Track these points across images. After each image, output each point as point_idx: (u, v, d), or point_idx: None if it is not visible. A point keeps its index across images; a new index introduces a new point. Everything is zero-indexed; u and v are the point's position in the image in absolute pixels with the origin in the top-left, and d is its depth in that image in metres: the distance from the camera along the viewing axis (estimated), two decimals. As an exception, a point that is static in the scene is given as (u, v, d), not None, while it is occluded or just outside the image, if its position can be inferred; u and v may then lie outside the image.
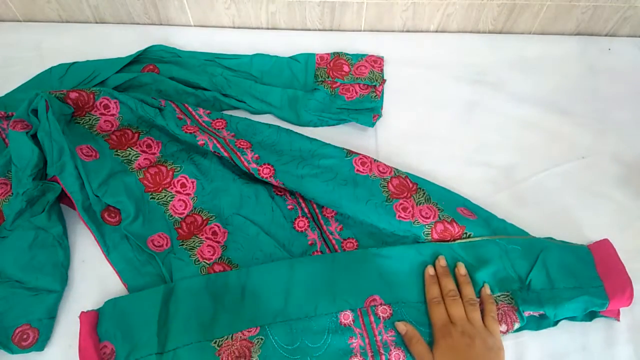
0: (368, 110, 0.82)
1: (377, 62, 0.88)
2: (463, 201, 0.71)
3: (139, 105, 0.74)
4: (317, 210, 0.71)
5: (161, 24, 0.95)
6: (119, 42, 0.89)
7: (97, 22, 0.95)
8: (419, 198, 0.69)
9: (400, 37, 0.94)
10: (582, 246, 0.67)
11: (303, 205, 0.72)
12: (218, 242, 0.68)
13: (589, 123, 0.82)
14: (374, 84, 0.85)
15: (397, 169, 0.72)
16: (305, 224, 0.70)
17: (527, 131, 0.81)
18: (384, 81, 0.86)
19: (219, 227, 0.69)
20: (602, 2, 0.89)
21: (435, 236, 0.66)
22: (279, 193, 0.73)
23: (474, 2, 0.89)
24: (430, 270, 0.63)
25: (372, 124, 0.80)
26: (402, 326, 0.59)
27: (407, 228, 0.66)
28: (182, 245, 0.67)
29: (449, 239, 0.67)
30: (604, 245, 0.65)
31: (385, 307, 0.61)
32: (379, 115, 0.82)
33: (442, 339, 0.57)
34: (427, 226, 0.66)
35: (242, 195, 0.71)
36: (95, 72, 0.82)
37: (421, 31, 0.95)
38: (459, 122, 0.83)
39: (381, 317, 0.61)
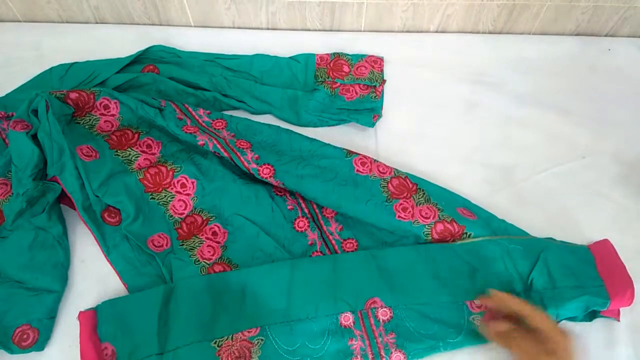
0: (368, 110, 0.82)
1: (377, 62, 0.88)
2: (463, 201, 0.71)
3: (139, 106, 0.74)
4: (317, 211, 0.71)
5: (161, 25, 0.95)
6: (119, 42, 0.89)
7: (97, 23, 0.95)
8: (418, 198, 0.69)
9: (400, 37, 0.94)
10: (582, 246, 0.67)
11: (303, 205, 0.72)
12: (218, 242, 0.68)
13: (589, 123, 0.82)
14: (374, 84, 0.85)
15: (397, 169, 0.72)
16: (305, 224, 0.70)
17: (527, 131, 0.81)
18: (384, 81, 0.86)
19: (219, 227, 0.69)
20: (602, 2, 0.89)
21: (435, 236, 0.66)
22: (279, 193, 0.73)
23: (473, 2, 0.89)
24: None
25: (372, 124, 0.80)
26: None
27: (407, 228, 0.66)
28: (182, 245, 0.67)
29: (449, 238, 0.67)
30: (604, 245, 0.66)
31: (385, 309, 0.61)
32: (379, 116, 0.82)
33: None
34: (427, 226, 0.66)
35: (242, 195, 0.71)
36: (95, 72, 0.82)
37: (421, 31, 0.95)
38: (459, 122, 0.83)
39: (381, 320, 0.61)
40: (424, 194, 0.70)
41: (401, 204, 0.68)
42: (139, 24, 0.95)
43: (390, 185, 0.70)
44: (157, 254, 0.66)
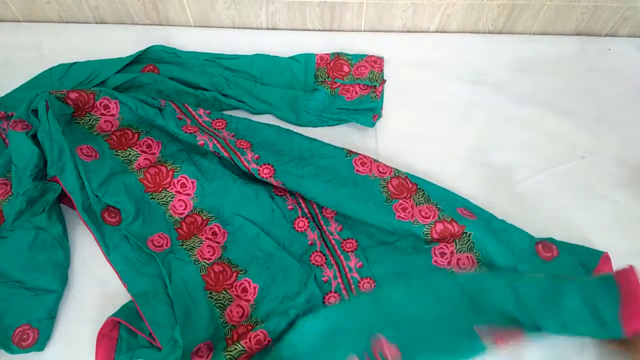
0: (368, 110, 0.82)
1: (377, 62, 0.88)
2: (463, 201, 0.71)
3: (139, 106, 0.75)
4: (317, 211, 0.71)
5: (161, 25, 0.95)
6: (119, 42, 0.89)
7: (97, 23, 0.95)
8: (418, 198, 0.69)
9: (400, 37, 0.94)
10: (609, 278, 0.57)
11: (303, 205, 0.72)
12: (218, 242, 0.68)
13: (588, 123, 0.82)
14: (374, 84, 0.85)
15: (396, 169, 0.73)
16: (305, 224, 0.70)
17: (527, 131, 0.81)
18: (384, 81, 0.86)
19: (218, 227, 0.69)
20: (602, 2, 0.89)
21: (435, 235, 0.66)
22: (279, 193, 0.73)
23: (474, 2, 0.89)
24: None
25: (372, 124, 0.80)
26: None
27: (406, 228, 0.66)
28: (182, 245, 0.67)
29: (448, 237, 0.67)
30: (629, 276, 0.56)
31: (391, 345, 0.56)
32: (379, 116, 0.82)
33: None
34: (426, 226, 0.66)
35: (242, 195, 0.71)
36: (95, 72, 0.82)
37: (421, 31, 0.95)
38: (459, 122, 0.83)
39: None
40: (423, 194, 0.70)
41: (401, 204, 0.68)
42: (139, 24, 0.95)
43: (390, 185, 0.70)
44: (157, 254, 0.66)
